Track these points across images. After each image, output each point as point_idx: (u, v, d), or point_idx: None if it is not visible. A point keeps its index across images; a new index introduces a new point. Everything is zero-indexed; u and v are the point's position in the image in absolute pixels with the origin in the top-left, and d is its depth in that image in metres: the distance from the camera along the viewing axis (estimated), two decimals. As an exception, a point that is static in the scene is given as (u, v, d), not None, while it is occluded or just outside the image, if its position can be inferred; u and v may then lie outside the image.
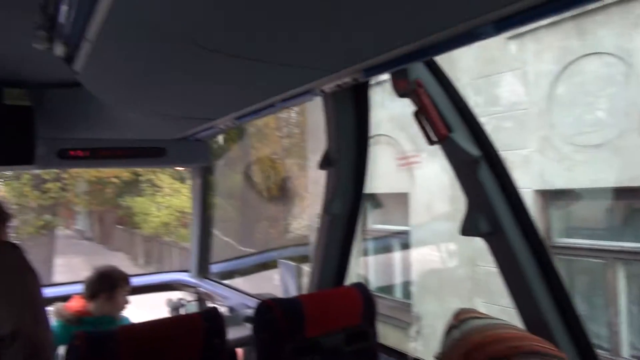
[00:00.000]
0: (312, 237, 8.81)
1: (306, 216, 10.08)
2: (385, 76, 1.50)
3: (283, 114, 12.28)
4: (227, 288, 3.26)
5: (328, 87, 1.57)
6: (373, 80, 1.67)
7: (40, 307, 1.82)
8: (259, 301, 2.88)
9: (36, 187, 12.91)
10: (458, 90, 1.55)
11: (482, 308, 1.69)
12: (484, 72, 4.92)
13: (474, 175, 1.45)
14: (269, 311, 1.61)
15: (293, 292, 3.04)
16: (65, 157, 2.59)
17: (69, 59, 1.69)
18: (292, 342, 1.61)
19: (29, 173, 11.96)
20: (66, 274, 14.48)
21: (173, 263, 15.72)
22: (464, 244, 5.33)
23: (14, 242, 1.94)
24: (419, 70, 1.47)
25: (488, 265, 2.81)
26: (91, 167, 9.43)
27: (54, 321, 2.47)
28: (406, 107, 1.58)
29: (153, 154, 2.79)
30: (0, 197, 2.20)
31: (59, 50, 1.64)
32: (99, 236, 24.27)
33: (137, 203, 18.39)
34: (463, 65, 4.96)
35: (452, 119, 1.49)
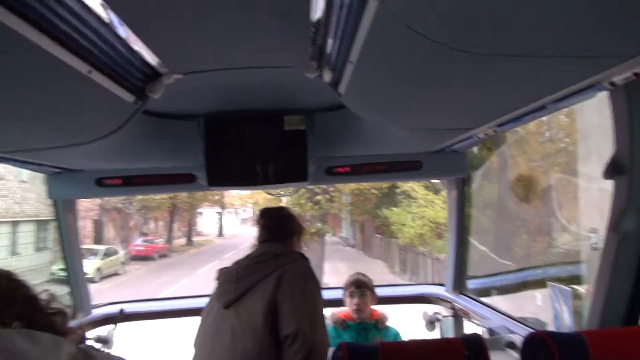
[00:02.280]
0: (584, 255, 7.64)
1: (575, 230, 8.84)
2: None
3: (545, 117, 11.08)
4: (485, 307, 3.05)
5: (621, 77, 1.28)
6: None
7: (319, 312, 2.02)
8: (524, 327, 2.61)
9: (310, 199, 14.84)
10: None
11: None
12: None
13: None
14: (544, 346, 1.39)
15: (567, 323, 2.62)
16: (331, 173, 2.83)
17: (335, 83, 1.83)
18: (573, 388, 1.35)
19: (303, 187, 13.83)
20: (333, 276, 16.16)
21: (427, 273, 15.91)
22: None
23: (303, 253, 2.20)
24: None
25: None
26: (352, 182, 10.31)
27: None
28: None
29: (410, 167, 2.82)
30: (295, 213, 2.62)
31: (327, 76, 1.79)
32: (360, 244, 26.45)
33: (394, 214, 19.33)
34: None
35: None
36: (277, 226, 2.23)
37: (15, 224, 18.21)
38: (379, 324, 2.92)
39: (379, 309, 3.01)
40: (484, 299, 3.30)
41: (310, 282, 2.05)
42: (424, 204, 18.10)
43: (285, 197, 14.86)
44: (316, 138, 2.58)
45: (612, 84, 1.33)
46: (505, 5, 0.89)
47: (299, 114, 2.53)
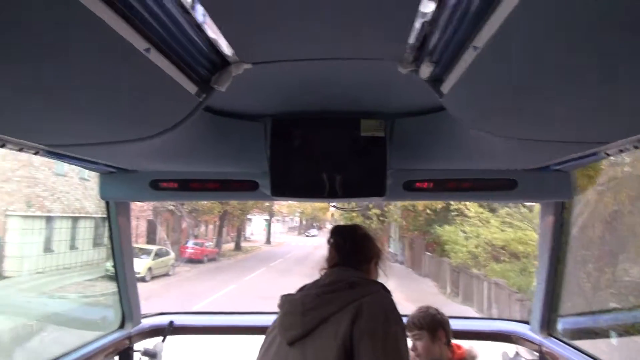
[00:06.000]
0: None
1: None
2: None
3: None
4: (584, 355, 2.57)
5: None
6: None
7: (403, 358, 1.65)
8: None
9: (362, 214, 14.45)
10: None
11: None
12: None
13: None
14: None
15: None
16: (411, 189, 2.48)
17: (435, 81, 1.50)
18: None
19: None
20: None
21: (483, 299, 15.05)
22: None
23: (384, 284, 1.84)
24: None
25: None
26: (433, 199, 9.52)
27: None
28: None
29: (502, 186, 2.43)
30: (373, 233, 2.29)
31: (425, 72, 1.47)
32: (408, 260, 25.67)
33: (446, 232, 18.61)
34: None
35: None
36: (352, 248, 1.89)
37: (75, 219, 18.89)
38: None
39: (465, 344, 2.59)
40: (578, 343, 2.81)
41: (393, 321, 1.69)
42: (479, 223, 17.32)
43: (340, 210, 14.57)
44: (395, 147, 2.24)
45: None
46: None
47: (377, 118, 2.20)
